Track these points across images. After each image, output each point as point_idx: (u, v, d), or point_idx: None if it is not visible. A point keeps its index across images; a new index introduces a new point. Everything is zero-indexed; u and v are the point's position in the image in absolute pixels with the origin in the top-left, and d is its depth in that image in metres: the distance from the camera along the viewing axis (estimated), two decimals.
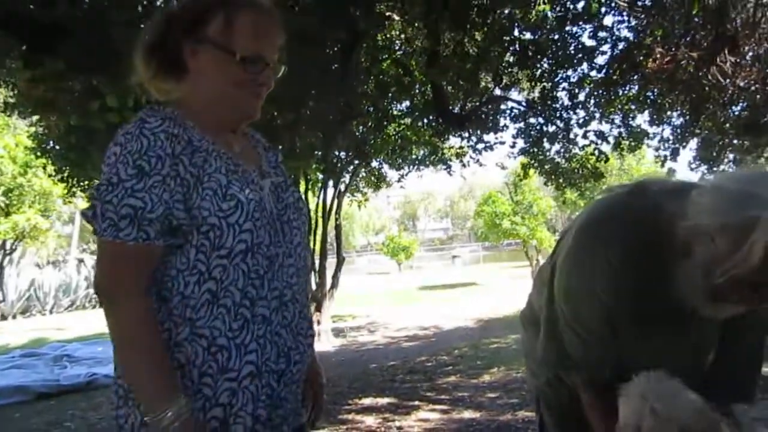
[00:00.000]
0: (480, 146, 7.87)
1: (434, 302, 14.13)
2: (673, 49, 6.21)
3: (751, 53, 6.28)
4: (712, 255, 1.03)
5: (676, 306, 1.15)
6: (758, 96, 6.46)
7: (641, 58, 6.41)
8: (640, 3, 6.17)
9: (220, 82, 1.13)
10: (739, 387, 1.29)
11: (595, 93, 6.96)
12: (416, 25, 5.43)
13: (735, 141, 7.56)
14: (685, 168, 9.74)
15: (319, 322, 9.25)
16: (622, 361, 1.24)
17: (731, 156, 7.95)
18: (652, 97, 7.08)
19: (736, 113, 7.01)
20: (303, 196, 1.34)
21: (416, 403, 5.07)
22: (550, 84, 6.54)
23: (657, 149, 7.64)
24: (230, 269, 1.06)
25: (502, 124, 6.99)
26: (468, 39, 5.60)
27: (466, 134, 7.41)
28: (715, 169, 7.75)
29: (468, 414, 4.50)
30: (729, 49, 6.04)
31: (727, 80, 6.14)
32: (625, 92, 7.05)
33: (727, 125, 6.95)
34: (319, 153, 7.44)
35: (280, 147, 6.31)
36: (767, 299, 1.08)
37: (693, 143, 7.60)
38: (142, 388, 1.03)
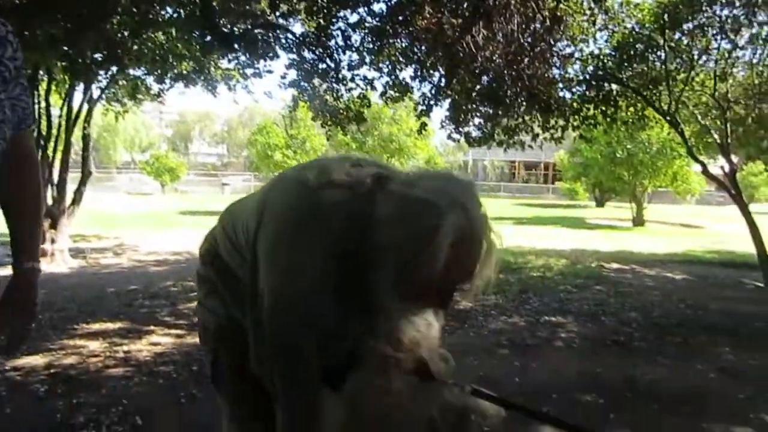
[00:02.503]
0: (249, 71, 7.65)
1: (194, 228, 13.60)
2: (440, 12, 6.69)
3: (502, 32, 7.01)
4: (401, 262, 1.10)
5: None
6: (504, 71, 7.33)
7: (412, 14, 6.77)
8: None
9: None
10: None
11: (368, 39, 7.19)
12: None
13: (481, 108, 8.50)
14: (438, 126, 10.63)
15: (54, 241, 8.32)
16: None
17: (476, 121, 8.93)
18: (418, 54, 7.56)
19: (484, 83, 7.86)
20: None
21: (151, 327, 4.93)
22: (326, 21, 6.55)
23: (417, 104, 8.18)
24: None
25: (273, 52, 6.84)
26: None
27: (236, 56, 7.09)
28: (461, 129, 8.61)
29: None
30: (484, 23, 6.71)
31: (479, 51, 6.85)
32: (395, 44, 7.40)
33: (474, 93, 7.77)
34: (65, 48, 6.46)
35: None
36: (448, 300, 1.21)
37: (446, 104, 8.31)
38: None
